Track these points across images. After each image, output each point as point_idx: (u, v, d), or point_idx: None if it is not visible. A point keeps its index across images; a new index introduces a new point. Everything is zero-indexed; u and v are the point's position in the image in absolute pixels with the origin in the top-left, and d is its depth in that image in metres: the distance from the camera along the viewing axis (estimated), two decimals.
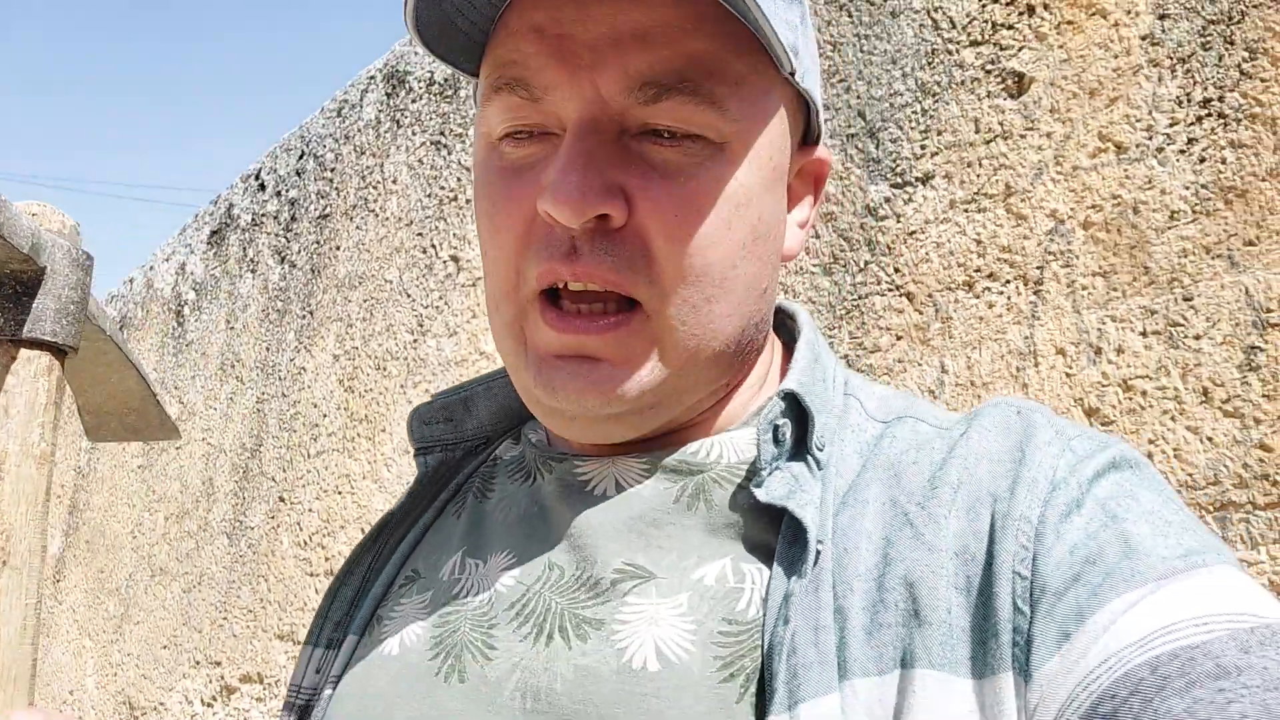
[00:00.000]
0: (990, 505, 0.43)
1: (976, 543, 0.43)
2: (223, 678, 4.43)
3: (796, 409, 0.49)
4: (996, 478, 0.44)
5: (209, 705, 4.45)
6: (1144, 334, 1.04)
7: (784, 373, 0.55)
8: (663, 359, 0.47)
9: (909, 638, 0.41)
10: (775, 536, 0.46)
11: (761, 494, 0.46)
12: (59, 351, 0.55)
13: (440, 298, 2.01)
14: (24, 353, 0.54)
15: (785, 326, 0.58)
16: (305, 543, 4.07)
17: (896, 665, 0.41)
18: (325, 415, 2.65)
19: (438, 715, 0.47)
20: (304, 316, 2.50)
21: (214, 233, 2.95)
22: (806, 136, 0.54)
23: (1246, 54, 0.97)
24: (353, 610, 0.56)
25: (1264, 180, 0.95)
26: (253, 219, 2.74)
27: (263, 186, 2.71)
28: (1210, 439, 0.99)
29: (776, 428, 0.47)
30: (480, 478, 0.59)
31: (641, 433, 0.50)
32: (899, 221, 1.25)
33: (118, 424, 0.67)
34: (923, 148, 1.23)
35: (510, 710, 0.45)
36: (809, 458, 0.48)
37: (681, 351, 0.48)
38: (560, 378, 0.47)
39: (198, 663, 4.60)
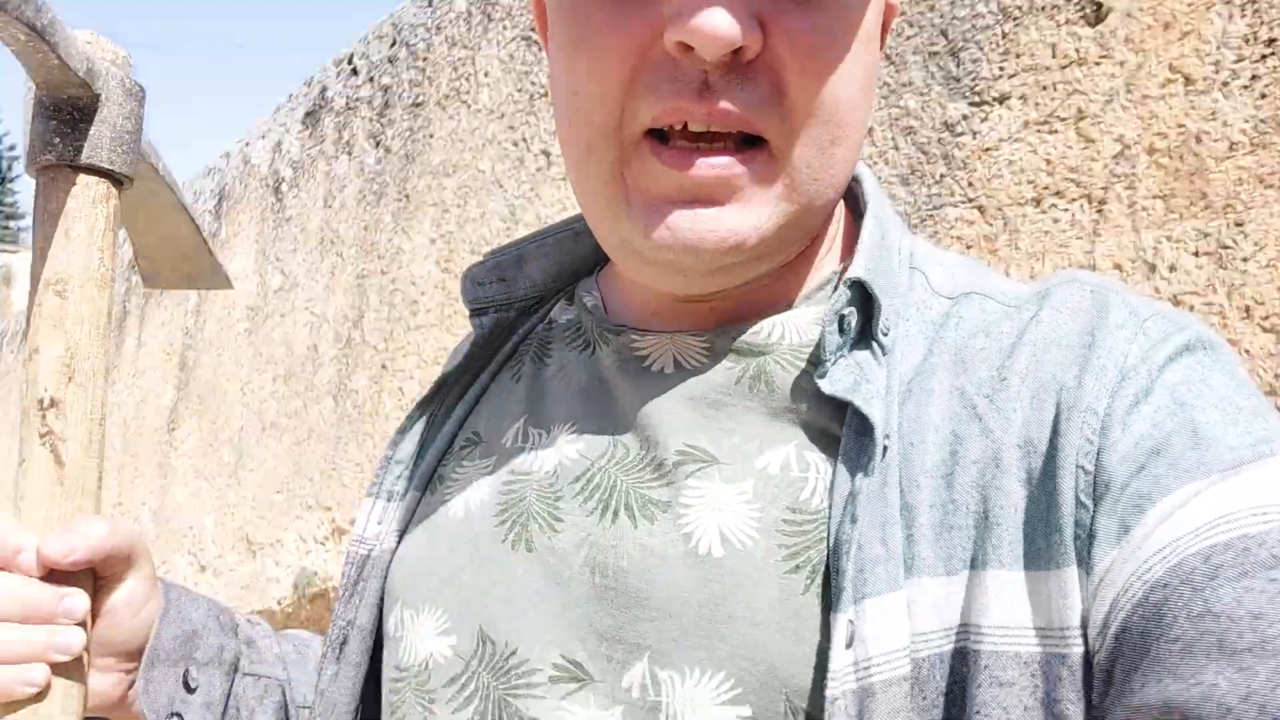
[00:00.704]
0: (1056, 394, 0.42)
1: (1039, 432, 0.41)
2: (334, 520, 4.86)
3: (862, 294, 0.47)
4: (1065, 364, 0.42)
5: (322, 544, 4.91)
6: (1196, 254, 1.15)
7: (847, 242, 0.53)
8: (784, 203, 0.45)
9: (980, 539, 0.41)
10: (839, 425, 0.44)
11: (826, 385, 0.44)
12: (115, 181, 0.55)
13: (531, 189, 2.15)
14: (81, 179, 0.53)
15: (849, 190, 0.55)
16: (407, 406, 4.36)
17: (966, 566, 0.40)
18: (424, 293, 2.85)
19: (507, 581, 0.47)
20: (400, 200, 2.66)
21: (308, 114, 3.08)
22: None
23: None
24: (413, 466, 0.56)
25: None
26: (346, 103, 2.86)
27: (355, 71, 2.82)
28: (1248, 351, 1.11)
29: (842, 317, 0.46)
30: (537, 341, 0.58)
31: (736, 284, 0.48)
32: (975, 138, 1.35)
33: (172, 271, 0.67)
34: (1001, 69, 1.31)
35: (579, 583, 0.46)
36: (874, 344, 0.46)
37: (801, 196, 0.45)
38: (678, 223, 0.44)
39: (310, 506, 5.04)
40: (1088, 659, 0.38)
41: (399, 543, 0.54)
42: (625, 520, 0.46)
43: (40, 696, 0.47)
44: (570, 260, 0.59)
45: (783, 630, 0.41)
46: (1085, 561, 0.39)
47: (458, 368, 0.57)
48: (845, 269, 0.49)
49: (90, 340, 0.53)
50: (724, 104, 0.42)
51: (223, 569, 5.73)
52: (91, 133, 0.53)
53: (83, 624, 0.49)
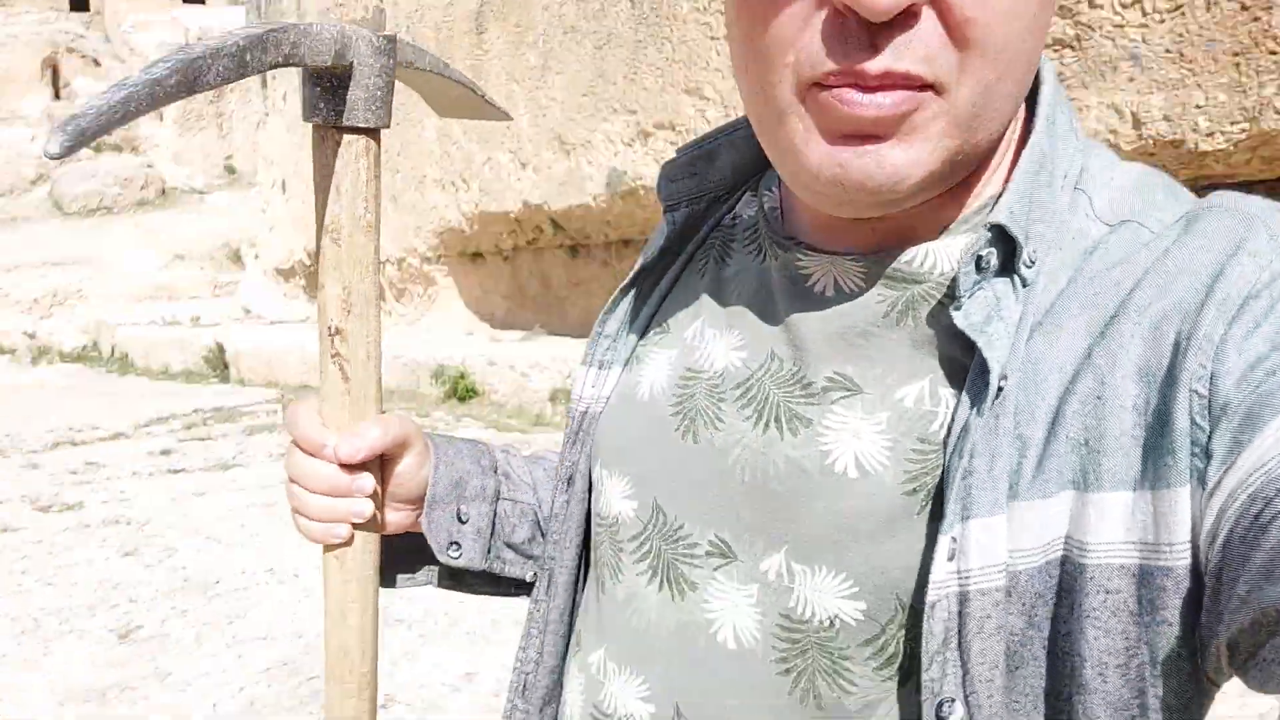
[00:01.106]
0: (1177, 324, 0.43)
1: (1157, 362, 0.43)
2: (639, 124, 5.10)
3: (1005, 233, 0.48)
4: (1190, 293, 0.44)
5: (629, 145, 5.22)
6: None
7: (1017, 154, 0.52)
8: (947, 139, 0.46)
9: (1086, 465, 0.44)
10: (970, 358, 0.47)
11: (959, 318, 0.46)
12: (374, 130, 0.63)
13: None
14: (345, 137, 0.61)
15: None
16: (704, 8, 4.27)
17: (1067, 487, 0.44)
18: None
19: (676, 466, 0.56)
20: None
21: None
22: None
23: None
24: (618, 344, 0.63)
25: None
26: None
27: None
28: None
29: (980, 257, 0.47)
30: (721, 237, 0.62)
31: (898, 210, 0.50)
32: None
33: (456, 111, 0.76)
34: None
35: (732, 479, 0.53)
36: (1014, 276, 0.47)
37: (966, 133, 0.46)
38: (848, 161, 0.46)
39: (615, 110, 5.29)
40: (1195, 571, 0.42)
41: (605, 407, 0.63)
42: (775, 432, 0.52)
43: (347, 543, 0.65)
44: (758, 154, 0.61)
45: (898, 543, 0.47)
46: (1201, 479, 0.41)
47: (653, 259, 0.63)
48: (1002, 194, 0.50)
49: (361, 279, 0.63)
50: (890, 63, 0.43)
51: (540, 166, 6.29)
52: (349, 97, 0.60)
53: (372, 495, 0.65)
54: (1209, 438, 0.41)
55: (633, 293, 0.63)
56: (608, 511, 0.59)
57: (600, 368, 0.63)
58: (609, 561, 0.59)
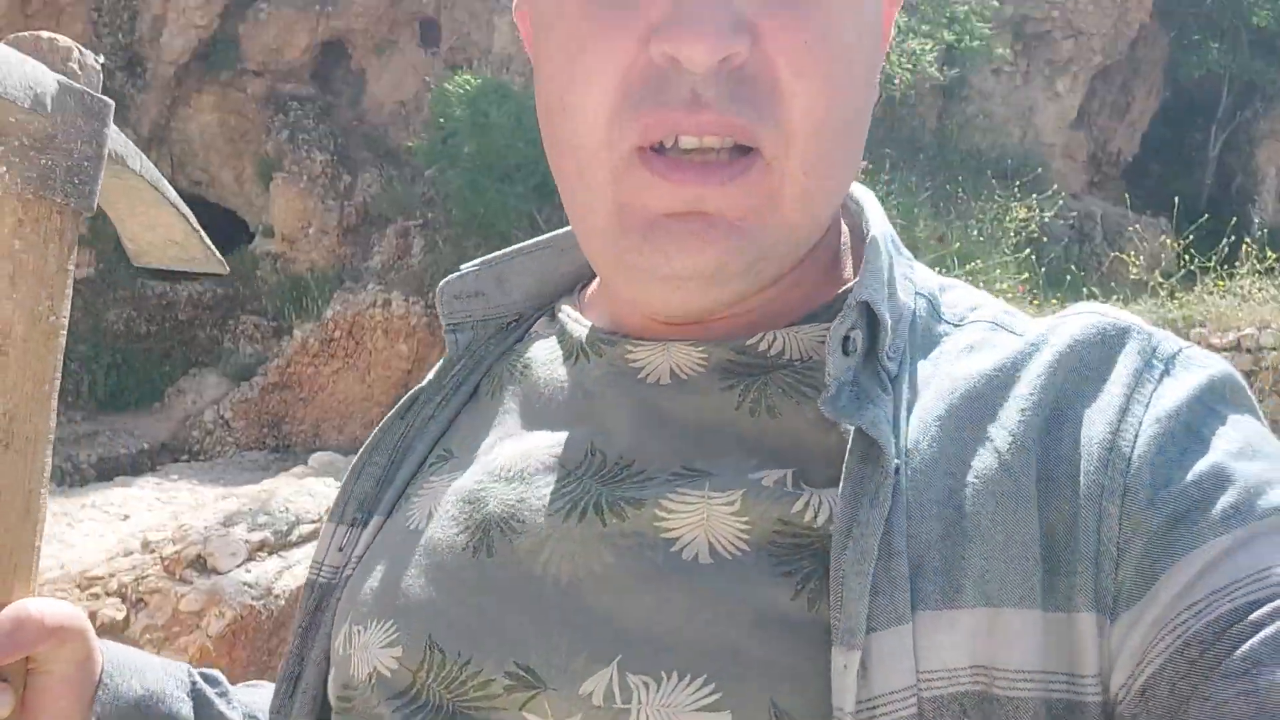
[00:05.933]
0: (1076, 430, 0.42)
1: (1060, 468, 0.41)
2: None
3: (869, 316, 0.45)
4: (1083, 398, 0.43)
5: None
6: None
7: (849, 263, 0.51)
8: (782, 213, 0.44)
9: (987, 571, 0.40)
10: (841, 451, 0.42)
11: (829, 409, 0.42)
12: (72, 212, 0.50)
13: None
14: (32, 212, 0.48)
15: (848, 209, 0.53)
16: None
17: (977, 602, 0.40)
18: None
19: (460, 593, 0.46)
20: None
21: None
22: None
23: None
24: (380, 490, 0.55)
25: None
26: None
27: None
28: None
29: (846, 339, 0.44)
30: (517, 356, 0.56)
31: (742, 298, 0.47)
32: None
33: (161, 253, 0.62)
34: None
35: (542, 587, 0.45)
36: (880, 370, 0.44)
37: (801, 205, 0.44)
38: (677, 239, 0.43)
39: None
40: (1106, 708, 0.40)
41: (358, 565, 0.53)
42: (595, 520, 0.45)
43: None
44: (552, 277, 0.58)
45: (770, 642, 0.41)
46: (1110, 609, 0.39)
47: (431, 385, 0.57)
48: (849, 290, 0.47)
49: (33, 400, 0.49)
50: (715, 116, 0.42)
51: None
52: (45, 164, 0.48)
53: (13, 712, 0.49)
54: (1117, 565, 0.39)
55: (403, 426, 0.56)
56: (356, 679, 0.48)
57: (353, 525, 0.54)
58: None
